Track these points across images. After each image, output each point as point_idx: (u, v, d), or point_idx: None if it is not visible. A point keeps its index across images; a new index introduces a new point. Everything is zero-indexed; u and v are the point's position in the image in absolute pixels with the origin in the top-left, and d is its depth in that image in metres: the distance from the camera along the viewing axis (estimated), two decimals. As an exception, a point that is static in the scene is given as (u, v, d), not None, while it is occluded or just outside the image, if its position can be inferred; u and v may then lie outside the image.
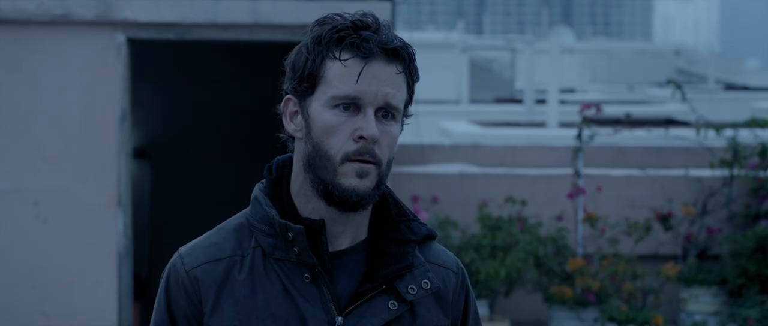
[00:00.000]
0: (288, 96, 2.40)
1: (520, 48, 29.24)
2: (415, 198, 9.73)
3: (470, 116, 20.49)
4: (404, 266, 2.38)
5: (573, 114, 12.79)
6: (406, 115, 2.40)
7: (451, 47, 29.32)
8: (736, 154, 9.87)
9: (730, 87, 32.59)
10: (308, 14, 8.63)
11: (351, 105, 2.32)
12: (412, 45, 2.38)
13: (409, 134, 13.51)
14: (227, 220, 2.45)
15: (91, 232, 8.63)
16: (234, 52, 12.32)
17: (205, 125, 12.59)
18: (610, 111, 14.42)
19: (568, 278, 9.17)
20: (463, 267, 2.53)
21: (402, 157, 10.54)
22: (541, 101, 21.12)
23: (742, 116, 14.01)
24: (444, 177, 10.09)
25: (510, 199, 9.51)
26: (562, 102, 20.72)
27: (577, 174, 9.62)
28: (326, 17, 2.38)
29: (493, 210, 9.63)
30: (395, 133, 2.35)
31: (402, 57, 2.35)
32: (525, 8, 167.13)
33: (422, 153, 10.75)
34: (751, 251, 9.39)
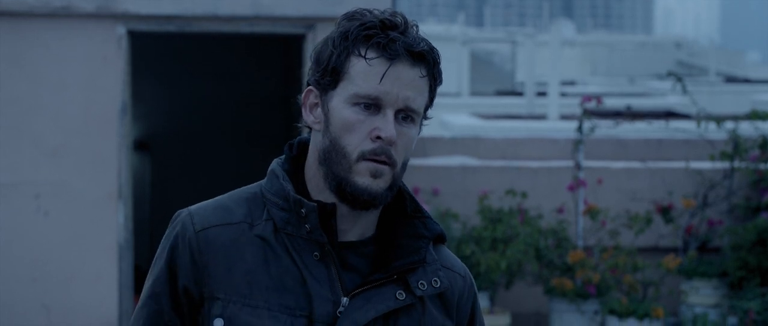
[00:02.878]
0: (310, 87, 2.41)
1: (521, 40, 29.24)
2: (415, 191, 9.74)
3: (471, 109, 20.50)
4: (418, 260, 2.39)
5: (574, 106, 12.79)
6: (425, 117, 2.41)
7: (451, 40, 29.33)
8: (736, 147, 9.87)
9: (730, 79, 32.59)
10: (309, 6, 8.62)
11: (372, 104, 2.33)
12: (437, 50, 2.38)
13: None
14: (240, 188, 2.46)
15: (91, 225, 8.63)
16: (235, 45, 12.32)
17: (205, 118, 12.59)
18: (611, 103, 14.42)
19: (568, 270, 9.17)
20: (470, 273, 2.54)
21: (402, 150, 10.52)
22: (541, 94, 21.13)
23: (743, 108, 14.02)
24: (445, 170, 10.10)
25: (510, 192, 9.51)
26: (563, 94, 20.72)
27: (578, 166, 9.61)
28: (355, 12, 2.37)
29: (494, 202, 9.63)
30: (412, 136, 2.37)
31: (427, 61, 2.35)
32: (526, 0, 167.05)
33: (423, 145, 10.75)
34: (752, 243, 9.39)
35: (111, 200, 8.63)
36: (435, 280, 2.40)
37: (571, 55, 38.55)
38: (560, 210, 9.57)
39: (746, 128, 10.22)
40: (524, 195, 9.52)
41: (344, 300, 2.34)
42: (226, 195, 2.45)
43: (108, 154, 8.61)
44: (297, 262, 2.35)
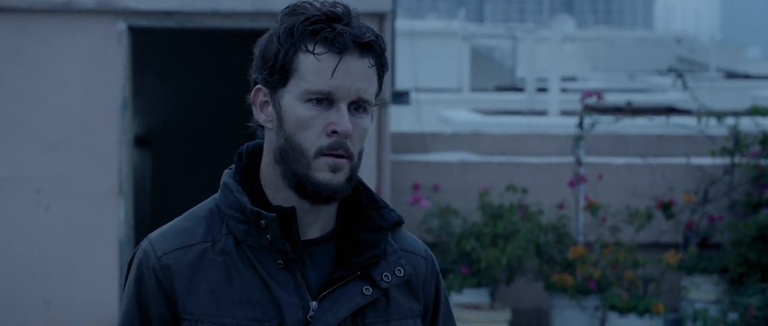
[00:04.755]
0: (258, 85, 2.40)
1: (522, 36, 29.19)
2: (416, 187, 9.74)
3: (471, 104, 20.47)
4: (378, 254, 2.39)
5: (574, 102, 12.78)
6: (375, 104, 2.40)
7: (452, 35, 29.27)
8: (737, 143, 9.87)
9: (731, 75, 32.54)
10: (309, 2, 8.62)
11: (324, 99, 2.33)
12: (382, 36, 2.38)
13: (410, 122, 13.49)
14: (197, 206, 2.46)
15: (92, 221, 8.63)
16: (235, 41, 12.31)
17: (206, 114, 12.59)
18: (612, 99, 14.40)
19: (569, 266, 9.17)
20: (431, 253, 2.54)
21: (403, 146, 10.53)
22: (542, 89, 21.08)
23: (744, 104, 14.00)
24: (445, 166, 10.09)
25: (511, 187, 9.51)
26: (564, 90, 20.68)
27: (578, 162, 9.61)
28: (297, 5, 2.36)
29: (494, 198, 9.63)
30: (366, 126, 2.37)
31: (374, 50, 2.35)
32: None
33: (423, 141, 10.74)
34: (752, 239, 9.39)
35: (112, 196, 8.63)
36: (398, 269, 2.40)
37: (571, 50, 38.49)
38: (561, 206, 9.57)
39: (747, 124, 10.22)
40: (525, 191, 9.52)
41: (313, 304, 2.34)
42: (184, 215, 2.45)
43: (109, 150, 8.62)
44: (261, 273, 2.35)
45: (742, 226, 9.48)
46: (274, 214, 2.33)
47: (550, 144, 10.92)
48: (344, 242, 2.41)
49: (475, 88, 26.83)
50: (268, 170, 2.40)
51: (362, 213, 2.43)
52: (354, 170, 2.36)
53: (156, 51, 12.35)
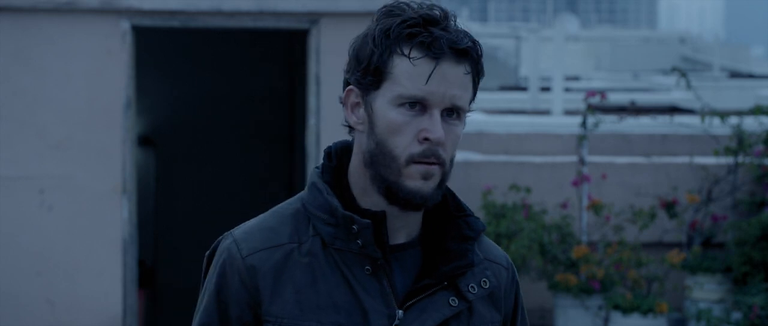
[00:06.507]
0: (350, 86, 2.33)
1: (525, 35, 29.19)
2: (419, 186, 9.73)
3: (475, 104, 20.43)
4: (466, 264, 2.34)
5: (578, 101, 12.77)
6: (469, 110, 2.36)
7: (455, 35, 29.18)
8: (741, 142, 9.86)
9: (735, 74, 32.51)
10: (313, 2, 8.62)
11: (417, 104, 2.27)
12: (479, 41, 2.33)
13: (414, 122, 13.43)
14: (281, 205, 2.39)
15: (96, 220, 8.63)
16: (239, 40, 12.33)
17: (210, 113, 12.60)
18: (615, 98, 14.41)
19: (572, 266, 9.17)
20: (511, 262, 2.50)
21: (406, 145, 10.52)
22: (545, 89, 21.07)
23: (747, 104, 13.99)
24: (448, 165, 10.08)
25: (514, 187, 9.51)
26: (567, 89, 20.67)
27: (582, 161, 9.61)
28: (394, 6, 2.30)
29: (498, 197, 9.63)
30: (459, 132, 2.32)
31: (471, 56, 2.30)
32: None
33: (427, 140, 10.73)
34: (756, 239, 9.38)
35: (115, 195, 8.63)
36: (484, 281, 2.36)
37: (575, 50, 38.49)
38: (564, 206, 9.57)
39: (750, 123, 10.21)
40: (528, 190, 9.51)
41: (399, 313, 2.29)
42: (268, 213, 2.38)
43: (112, 149, 8.62)
44: (347, 277, 2.29)
45: (745, 225, 9.47)
46: (369, 221, 2.27)
47: (553, 143, 10.91)
48: (431, 249, 2.36)
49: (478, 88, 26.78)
50: (357, 173, 2.34)
51: (449, 220, 2.38)
52: (445, 176, 2.33)
53: (160, 50, 12.36)
